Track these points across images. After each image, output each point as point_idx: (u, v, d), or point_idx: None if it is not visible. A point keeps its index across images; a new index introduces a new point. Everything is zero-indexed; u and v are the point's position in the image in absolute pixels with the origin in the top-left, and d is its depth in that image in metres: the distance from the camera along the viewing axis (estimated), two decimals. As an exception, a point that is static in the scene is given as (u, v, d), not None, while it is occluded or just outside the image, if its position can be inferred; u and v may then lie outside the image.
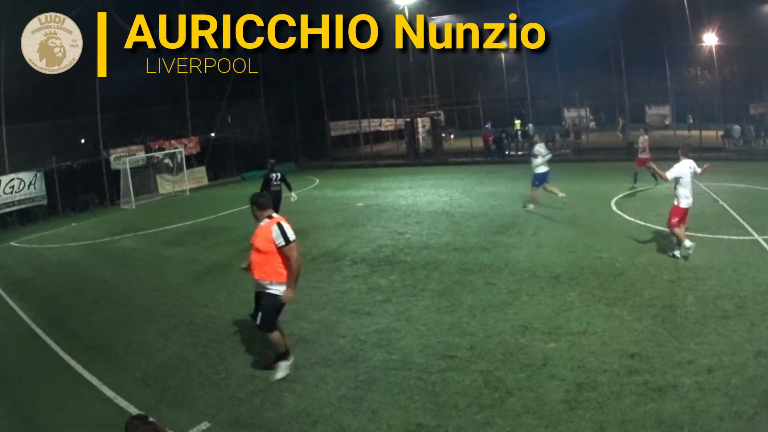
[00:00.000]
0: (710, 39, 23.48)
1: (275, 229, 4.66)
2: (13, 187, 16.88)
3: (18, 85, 16.70)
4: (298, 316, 6.48)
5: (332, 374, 4.97)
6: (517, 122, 27.83)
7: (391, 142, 32.04)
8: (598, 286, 6.65)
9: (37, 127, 17.73)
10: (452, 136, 31.04)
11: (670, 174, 7.39)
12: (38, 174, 17.62)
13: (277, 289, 4.77)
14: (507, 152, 24.43)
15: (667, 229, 7.72)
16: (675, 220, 7.42)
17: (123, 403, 4.75)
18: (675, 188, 7.49)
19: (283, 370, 4.95)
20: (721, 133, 21.25)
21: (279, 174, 11.01)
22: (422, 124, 27.26)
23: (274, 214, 4.86)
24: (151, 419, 2.51)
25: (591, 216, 10.68)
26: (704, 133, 20.62)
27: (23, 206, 17.25)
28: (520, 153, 24.37)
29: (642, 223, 9.59)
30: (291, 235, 4.68)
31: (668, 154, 19.50)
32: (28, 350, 6.42)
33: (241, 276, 8.28)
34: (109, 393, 4.98)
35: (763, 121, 21.64)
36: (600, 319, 5.68)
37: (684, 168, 7.38)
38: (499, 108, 28.00)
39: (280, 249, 4.66)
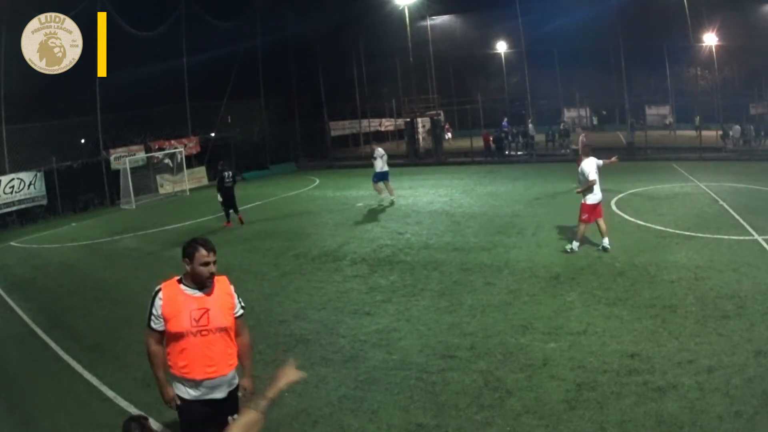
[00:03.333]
0: (710, 39, 23.50)
1: (233, 291, 3.22)
2: (13, 187, 16.87)
3: (18, 85, 16.69)
4: (298, 316, 6.48)
5: (332, 374, 4.97)
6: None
7: (391, 142, 32.00)
8: (598, 286, 6.65)
9: (37, 127, 17.70)
10: (449, 135, 30.84)
11: (590, 178, 7.77)
12: (38, 174, 17.60)
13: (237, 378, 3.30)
14: (507, 152, 24.43)
15: (669, 230, 7.73)
16: (585, 216, 7.88)
17: (123, 403, 4.75)
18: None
19: None
20: (720, 133, 21.27)
21: (231, 173, 12.54)
22: (422, 124, 27.25)
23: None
24: (150, 422, 2.51)
25: (591, 216, 10.67)
26: (704, 133, 20.64)
27: (23, 206, 17.23)
28: (520, 153, 24.37)
29: (642, 223, 9.59)
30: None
31: (668, 154, 19.56)
32: (28, 350, 6.41)
33: (242, 276, 8.32)
34: (109, 393, 4.98)
35: (763, 121, 21.64)
36: (600, 319, 5.68)
37: (593, 165, 7.87)
38: (499, 108, 28.02)
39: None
